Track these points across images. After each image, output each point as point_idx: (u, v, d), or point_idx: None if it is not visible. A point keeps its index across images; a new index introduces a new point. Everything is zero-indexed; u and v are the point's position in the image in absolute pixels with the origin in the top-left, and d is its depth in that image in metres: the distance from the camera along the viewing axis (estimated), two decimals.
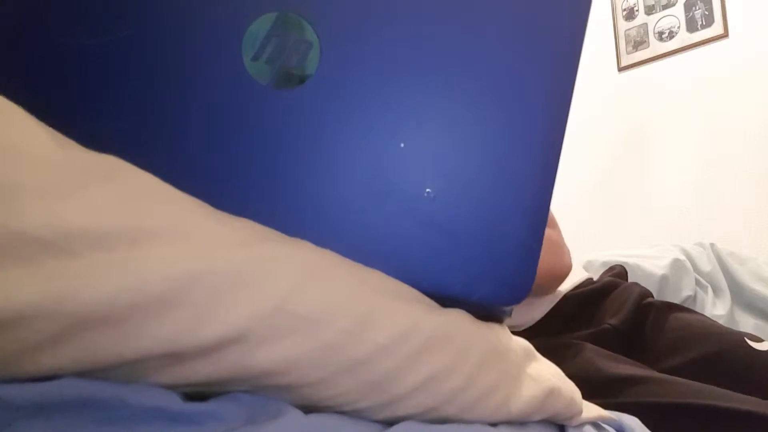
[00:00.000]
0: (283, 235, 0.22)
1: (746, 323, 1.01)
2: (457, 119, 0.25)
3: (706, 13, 2.02)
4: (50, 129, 0.19)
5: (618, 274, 0.91)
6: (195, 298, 0.18)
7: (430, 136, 0.25)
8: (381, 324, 0.22)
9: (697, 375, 0.54)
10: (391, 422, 0.24)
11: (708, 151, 1.98)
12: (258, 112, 0.23)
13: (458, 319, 0.25)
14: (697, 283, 1.07)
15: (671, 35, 2.11)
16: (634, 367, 0.57)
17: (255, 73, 0.23)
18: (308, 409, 0.22)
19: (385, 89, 0.24)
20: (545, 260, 0.62)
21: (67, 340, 0.16)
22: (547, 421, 0.31)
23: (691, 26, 2.06)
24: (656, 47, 2.15)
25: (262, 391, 0.21)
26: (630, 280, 0.92)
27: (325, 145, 0.24)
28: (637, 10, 2.22)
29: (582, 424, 0.33)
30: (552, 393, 0.29)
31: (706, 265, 1.11)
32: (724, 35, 1.98)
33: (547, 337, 0.69)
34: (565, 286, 0.73)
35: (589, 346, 0.62)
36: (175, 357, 0.18)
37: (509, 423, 0.28)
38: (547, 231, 0.65)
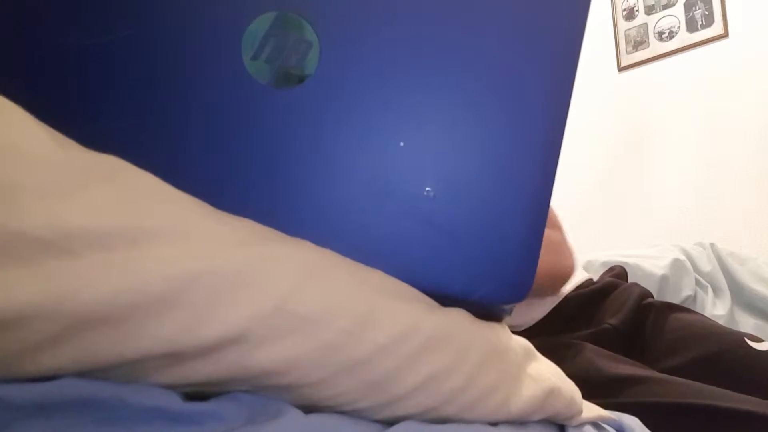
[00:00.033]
0: (283, 235, 0.22)
1: (746, 323, 1.01)
2: (456, 119, 0.25)
3: (706, 13, 2.02)
4: (50, 129, 0.19)
5: (618, 274, 0.91)
6: (195, 298, 0.18)
7: (430, 136, 0.25)
8: (381, 324, 0.22)
9: (697, 375, 0.54)
10: (391, 422, 0.24)
11: (708, 151, 1.98)
12: (258, 112, 0.23)
13: (458, 318, 0.25)
14: (697, 283, 1.07)
15: (671, 35, 2.11)
16: (634, 367, 0.57)
17: (254, 72, 0.23)
18: (308, 409, 0.22)
19: (384, 89, 0.24)
20: (548, 261, 0.62)
21: (67, 340, 0.16)
22: (547, 421, 0.31)
23: (691, 26, 2.06)
24: (656, 47, 2.15)
25: (262, 391, 0.21)
26: (630, 280, 0.92)
27: (325, 145, 0.24)
28: (637, 10, 2.22)
29: (582, 424, 0.33)
30: (552, 393, 0.29)
31: (706, 265, 1.11)
32: (724, 35, 1.98)
33: (547, 337, 0.69)
34: (566, 287, 0.73)
35: (589, 346, 0.62)
36: (175, 357, 0.18)
37: (509, 423, 0.28)
38: (550, 232, 0.65)
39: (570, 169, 2.13)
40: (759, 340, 0.60)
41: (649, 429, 0.37)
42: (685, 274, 1.05)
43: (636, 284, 0.77)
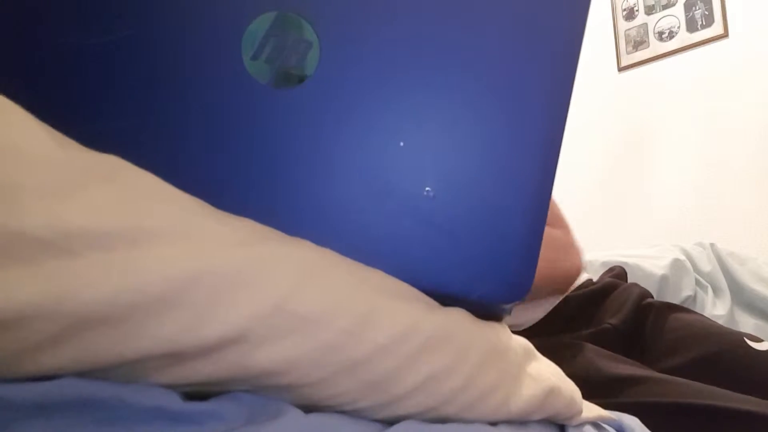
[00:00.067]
0: (283, 235, 0.22)
1: (746, 323, 1.01)
2: (456, 118, 0.25)
3: (706, 13, 2.02)
4: (50, 129, 0.19)
5: (618, 275, 0.91)
6: (195, 298, 0.18)
7: (430, 136, 0.25)
8: (381, 324, 0.22)
9: (696, 375, 0.54)
10: (391, 422, 0.24)
11: (708, 151, 1.98)
12: (258, 112, 0.23)
13: (458, 318, 0.25)
14: (697, 283, 1.07)
15: (671, 35, 2.11)
16: (634, 367, 0.57)
17: (254, 72, 0.23)
18: (308, 408, 0.22)
19: (384, 88, 0.24)
20: (556, 261, 0.61)
21: (67, 340, 0.16)
22: (547, 421, 0.31)
23: (691, 26, 2.06)
24: (656, 47, 2.15)
25: (263, 391, 0.21)
26: (630, 280, 0.92)
27: (325, 145, 0.24)
28: (637, 10, 2.22)
29: (582, 424, 0.33)
30: (552, 392, 0.29)
31: (706, 265, 1.11)
32: (724, 35, 1.98)
33: (547, 337, 0.69)
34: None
35: (589, 346, 0.62)
36: (176, 357, 0.18)
37: (509, 422, 0.28)
38: (558, 232, 0.65)
39: (570, 169, 2.13)
40: (758, 340, 0.60)
41: (649, 429, 0.37)
42: (685, 274, 1.06)
43: (636, 284, 0.77)
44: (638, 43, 2.20)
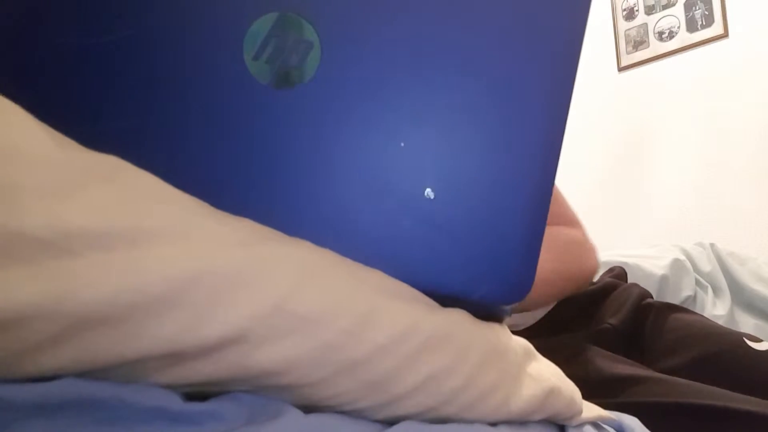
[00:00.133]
0: (283, 235, 0.22)
1: (746, 323, 1.01)
2: (457, 119, 0.25)
3: (706, 13, 2.02)
4: (50, 129, 0.19)
5: (618, 275, 0.91)
6: (195, 298, 0.18)
7: (430, 136, 0.25)
8: (381, 324, 0.22)
9: (696, 375, 0.54)
10: (391, 422, 0.24)
11: (708, 151, 1.98)
12: (258, 112, 0.23)
13: (458, 318, 0.25)
14: (697, 283, 1.07)
15: (671, 35, 2.12)
16: (634, 367, 0.57)
17: (256, 72, 0.23)
18: (308, 408, 0.22)
19: (385, 89, 0.24)
20: (571, 261, 0.61)
21: (68, 341, 0.16)
22: (547, 421, 0.31)
23: (691, 26, 2.06)
24: (656, 47, 2.15)
25: (263, 391, 0.21)
26: (630, 280, 0.92)
27: (325, 145, 0.24)
28: (637, 10, 2.22)
29: (582, 424, 0.33)
30: (552, 392, 0.29)
31: (706, 265, 1.11)
32: (724, 35, 1.98)
33: (547, 337, 0.69)
34: None
35: (589, 346, 0.62)
36: (176, 357, 0.18)
37: (509, 423, 0.28)
38: (571, 230, 0.64)
39: (570, 169, 2.13)
40: (758, 340, 0.60)
41: (649, 429, 0.37)
42: (685, 274, 1.06)
43: (635, 285, 0.77)
44: (638, 43, 2.20)
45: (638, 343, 0.67)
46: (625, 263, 1.02)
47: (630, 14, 2.23)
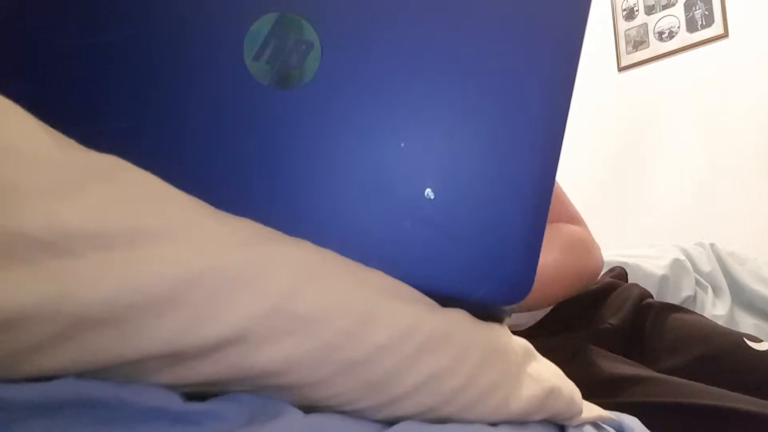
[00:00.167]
0: (283, 235, 0.22)
1: (746, 323, 1.01)
2: (457, 119, 0.25)
3: (706, 13, 2.03)
4: (50, 129, 0.19)
5: (618, 275, 0.92)
6: (195, 298, 0.18)
7: (431, 137, 0.25)
8: (381, 324, 0.22)
9: (696, 375, 0.54)
10: (391, 422, 0.24)
11: (708, 151, 1.98)
12: (259, 113, 0.23)
13: (458, 318, 0.25)
14: (697, 283, 1.07)
15: (671, 35, 2.12)
16: (634, 367, 0.57)
17: (256, 72, 0.23)
18: (308, 408, 0.22)
19: (385, 89, 0.24)
20: (577, 259, 0.61)
21: (67, 341, 0.16)
22: (547, 421, 0.31)
23: (691, 26, 2.06)
24: (656, 47, 2.15)
25: (262, 391, 0.21)
26: (630, 280, 0.93)
27: (326, 145, 0.24)
28: (637, 10, 2.22)
29: (582, 424, 0.33)
30: (552, 393, 0.29)
31: (706, 265, 1.11)
32: (724, 35, 1.98)
33: (547, 337, 0.69)
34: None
35: (589, 346, 0.62)
36: (176, 357, 0.18)
37: (509, 423, 0.28)
38: (574, 228, 0.64)
39: (570, 169, 2.13)
40: (758, 340, 0.60)
41: (649, 429, 0.37)
42: (685, 274, 1.06)
43: (635, 285, 0.77)
44: (638, 43, 2.20)
45: (638, 343, 0.67)
46: (625, 263, 1.02)
47: (630, 14, 2.24)
